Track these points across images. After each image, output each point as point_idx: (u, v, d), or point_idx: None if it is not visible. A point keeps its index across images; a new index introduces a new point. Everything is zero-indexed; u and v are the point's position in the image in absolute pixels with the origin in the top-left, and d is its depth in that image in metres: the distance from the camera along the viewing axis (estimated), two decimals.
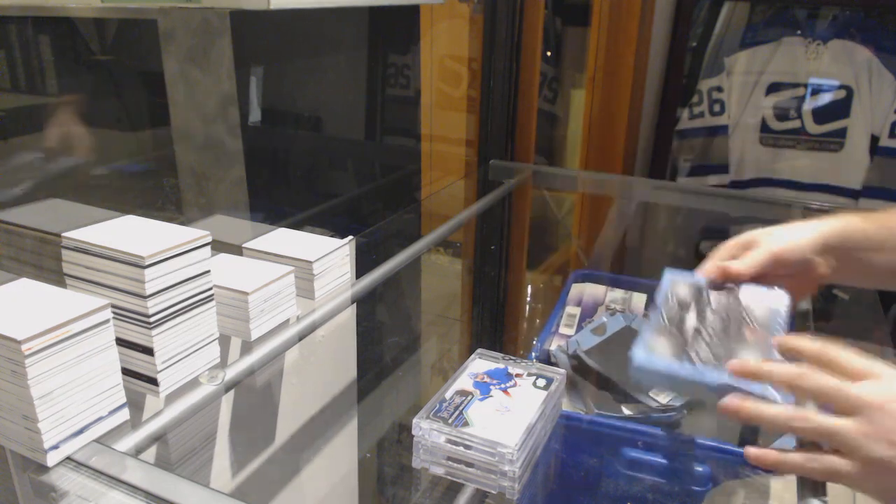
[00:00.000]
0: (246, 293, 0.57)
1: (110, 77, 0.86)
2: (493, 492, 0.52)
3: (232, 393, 0.57)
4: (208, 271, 0.53)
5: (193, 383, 0.53)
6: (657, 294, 0.69)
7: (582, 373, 0.87)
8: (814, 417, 0.48)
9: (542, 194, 1.40)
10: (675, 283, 0.70)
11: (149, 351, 0.50)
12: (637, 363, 0.60)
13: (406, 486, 0.91)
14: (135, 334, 0.50)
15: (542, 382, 0.59)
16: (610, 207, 1.59)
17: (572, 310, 1.02)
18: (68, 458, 0.45)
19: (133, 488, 0.42)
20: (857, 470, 0.45)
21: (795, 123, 1.85)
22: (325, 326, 0.67)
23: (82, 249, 0.50)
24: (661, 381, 0.62)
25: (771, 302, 0.65)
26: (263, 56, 1.02)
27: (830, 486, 0.49)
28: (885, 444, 0.44)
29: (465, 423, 0.53)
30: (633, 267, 1.65)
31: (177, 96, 0.84)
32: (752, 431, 0.79)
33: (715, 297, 0.67)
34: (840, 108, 1.80)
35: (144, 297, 0.48)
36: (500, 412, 0.55)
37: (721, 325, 0.63)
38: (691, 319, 0.64)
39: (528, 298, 1.46)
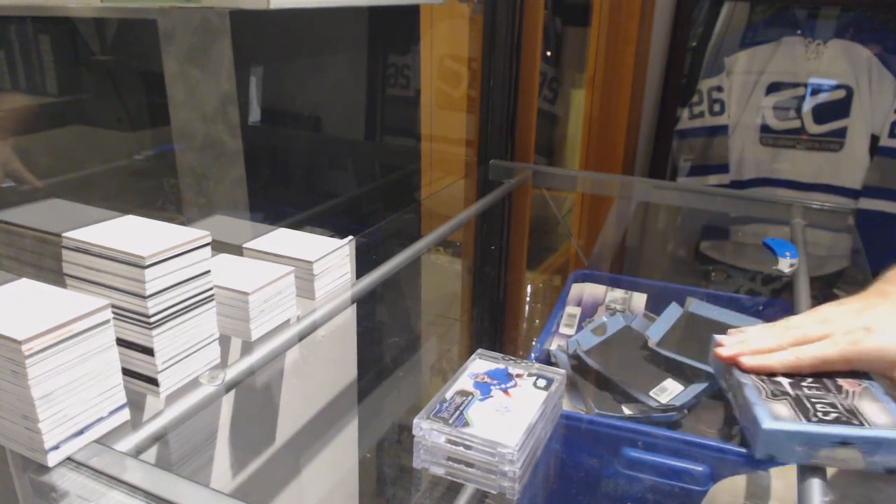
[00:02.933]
0: (246, 293, 0.57)
1: (110, 77, 0.86)
2: (494, 492, 0.52)
3: (232, 393, 0.57)
4: (208, 271, 0.53)
5: (194, 383, 0.53)
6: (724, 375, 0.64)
7: (582, 373, 0.87)
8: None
9: (542, 194, 1.40)
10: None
11: (149, 351, 0.50)
12: (770, 428, 0.53)
13: (406, 487, 0.91)
14: (135, 334, 0.50)
15: (542, 382, 0.59)
16: (610, 207, 1.59)
17: (572, 310, 1.02)
18: (69, 458, 0.45)
19: (133, 488, 0.42)
20: (838, 345, 0.55)
21: (795, 123, 1.85)
22: (325, 327, 0.67)
23: (82, 249, 0.50)
24: (796, 447, 0.53)
25: None
26: (263, 56, 1.02)
27: (831, 487, 0.49)
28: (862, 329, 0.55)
29: (466, 424, 0.53)
30: (633, 267, 1.65)
31: (177, 96, 0.84)
32: None
33: None
34: (840, 108, 1.80)
35: (145, 298, 0.48)
36: (501, 412, 0.55)
37: (814, 381, 0.59)
38: (784, 382, 0.59)
39: (528, 298, 1.46)
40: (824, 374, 0.60)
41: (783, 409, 0.55)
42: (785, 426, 0.53)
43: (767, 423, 0.53)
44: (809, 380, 0.59)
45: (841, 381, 0.58)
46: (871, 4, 1.75)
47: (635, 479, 0.74)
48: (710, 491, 0.70)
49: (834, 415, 0.54)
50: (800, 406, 0.55)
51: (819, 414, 0.54)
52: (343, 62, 1.27)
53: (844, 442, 0.52)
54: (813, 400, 0.56)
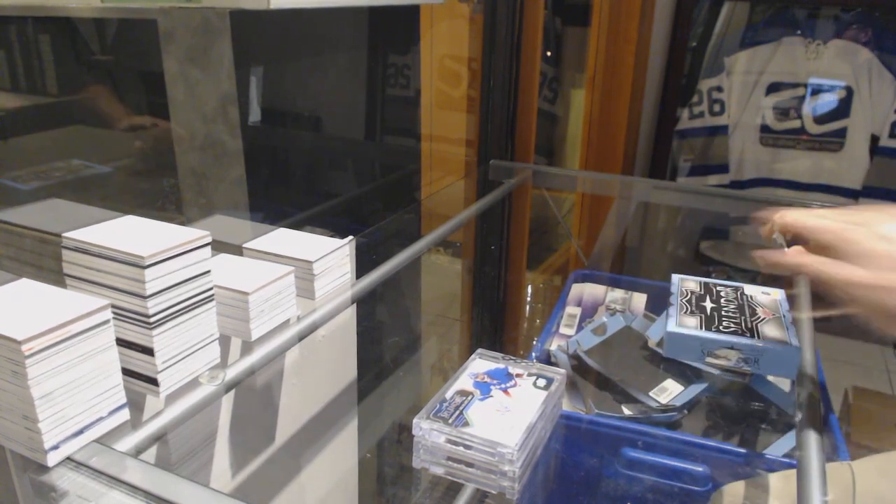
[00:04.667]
0: (246, 293, 0.57)
1: (110, 77, 0.86)
2: (493, 492, 0.52)
3: (232, 393, 0.57)
4: (208, 271, 0.53)
5: (194, 383, 0.53)
6: (671, 288, 0.80)
7: (582, 373, 0.87)
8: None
9: (542, 194, 1.40)
10: (684, 280, 0.81)
11: (149, 351, 0.50)
12: (672, 331, 0.70)
13: (406, 486, 0.91)
14: (135, 334, 0.50)
15: (542, 382, 0.59)
16: (610, 207, 1.59)
17: (572, 310, 1.02)
18: (68, 458, 0.45)
19: (133, 488, 0.42)
20: (864, 273, 0.52)
21: (795, 123, 1.86)
22: (325, 326, 0.67)
23: (82, 249, 0.50)
24: (694, 348, 0.70)
25: (771, 294, 0.77)
26: (263, 56, 1.02)
27: (831, 487, 0.49)
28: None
29: (466, 423, 0.53)
30: (633, 267, 1.65)
31: (177, 96, 0.84)
32: (752, 433, 0.79)
33: (724, 290, 0.79)
34: (840, 108, 1.80)
35: (144, 298, 0.48)
36: (501, 412, 0.55)
37: (736, 308, 0.74)
38: (708, 305, 0.75)
39: (528, 298, 1.46)
40: (749, 302, 0.75)
41: (691, 321, 0.71)
42: (682, 331, 0.70)
43: (671, 328, 0.70)
44: (735, 310, 0.74)
45: (761, 311, 0.73)
46: (871, 4, 1.75)
47: (635, 479, 0.74)
48: (713, 495, 0.70)
49: (733, 329, 0.69)
50: (708, 323, 0.71)
51: (720, 328, 0.69)
52: (343, 62, 1.27)
53: (732, 347, 0.67)
54: (725, 321, 0.71)
